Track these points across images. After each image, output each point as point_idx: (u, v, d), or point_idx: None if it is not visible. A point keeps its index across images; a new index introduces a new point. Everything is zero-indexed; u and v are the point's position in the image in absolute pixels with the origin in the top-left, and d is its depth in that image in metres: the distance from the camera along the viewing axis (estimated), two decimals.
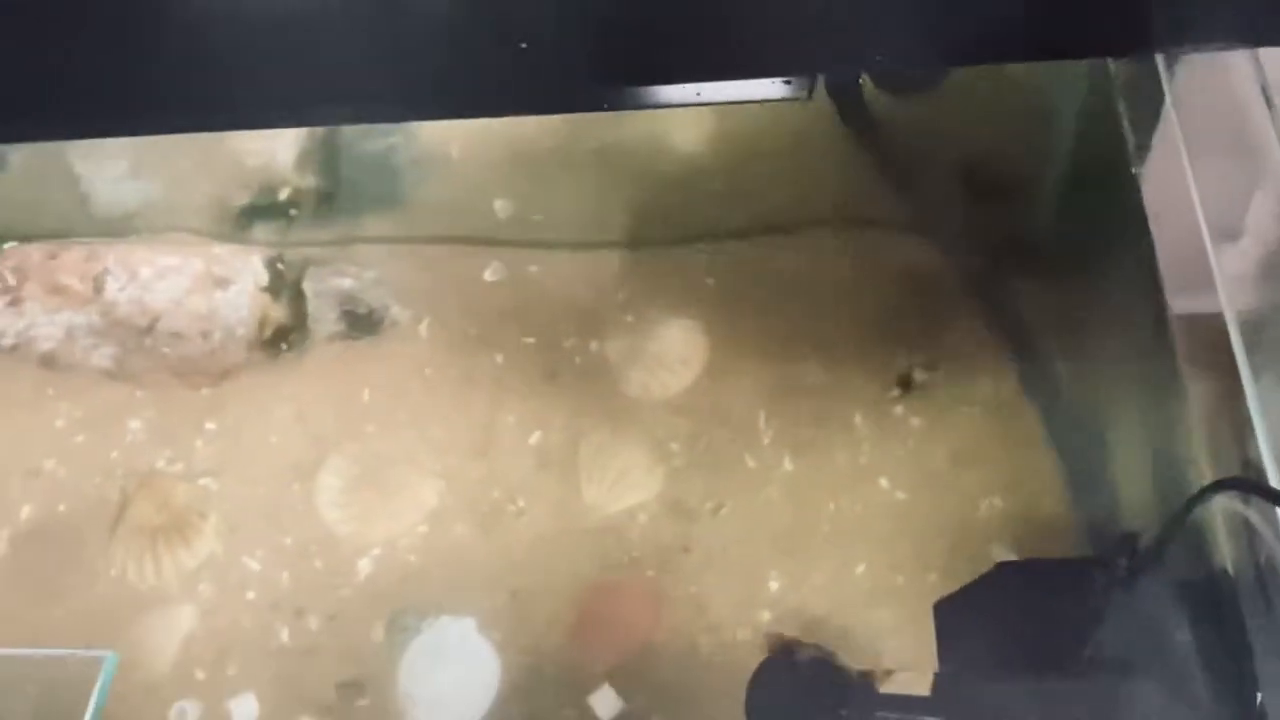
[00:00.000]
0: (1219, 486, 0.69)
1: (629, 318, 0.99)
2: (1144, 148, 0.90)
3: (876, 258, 1.00)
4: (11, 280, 1.02)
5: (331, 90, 0.62)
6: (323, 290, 1.03)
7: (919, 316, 0.96)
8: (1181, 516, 0.69)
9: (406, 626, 0.87)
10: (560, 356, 0.98)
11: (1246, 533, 0.70)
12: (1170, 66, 0.83)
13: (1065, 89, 1.03)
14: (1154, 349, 0.85)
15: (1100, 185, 0.97)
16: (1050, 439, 0.89)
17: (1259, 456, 0.71)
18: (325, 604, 0.88)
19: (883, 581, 0.85)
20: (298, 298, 1.03)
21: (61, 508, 0.94)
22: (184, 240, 1.06)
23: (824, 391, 0.94)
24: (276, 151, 1.10)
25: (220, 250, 1.04)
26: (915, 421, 0.91)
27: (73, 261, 1.03)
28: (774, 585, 0.86)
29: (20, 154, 1.11)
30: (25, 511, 0.94)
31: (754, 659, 0.80)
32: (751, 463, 0.91)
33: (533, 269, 1.03)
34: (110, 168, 1.10)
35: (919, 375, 0.93)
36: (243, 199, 1.09)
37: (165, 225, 1.07)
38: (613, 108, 0.78)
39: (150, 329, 1.01)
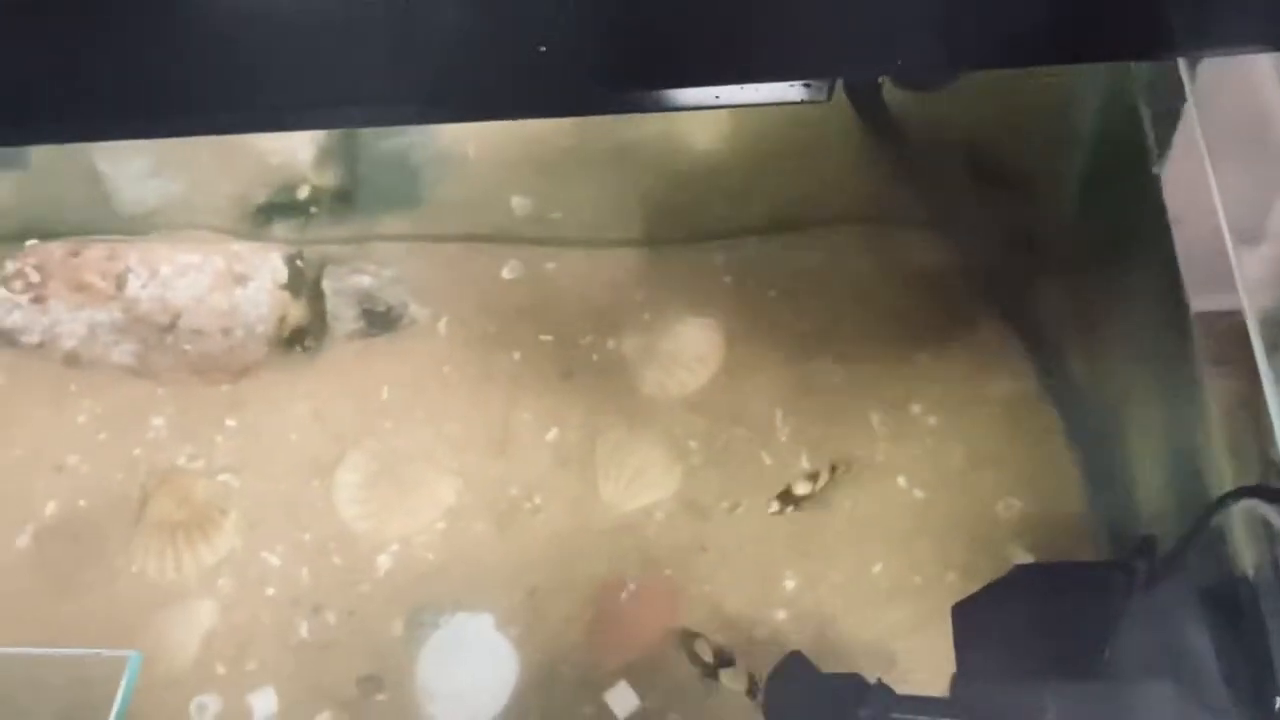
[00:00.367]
0: (1239, 494, 0.69)
1: (646, 316, 1.00)
2: (1165, 148, 0.90)
3: (894, 256, 0.99)
4: (35, 278, 1.03)
5: (351, 93, 0.62)
6: (341, 288, 1.03)
7: (937, 315, 0.96)
8: (1201, 524, 0.68)
9: (425, 622, 0.87)
10: (578, 354, 0.98)
11: (1267, 536, 0.70)
12: (1192, 67, 0.83)
13: (1086, 88, 1.02)
14: (1174, 348, 0.84)
15: (1120, 185, 0.96)
16: (1069, 438, 0.89)
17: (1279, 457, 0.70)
18: (344, 600, 0.89)
19: (900, 581, 0.85)
20: (317, 295, 1.03)
21: (83, 503, 0.95)
22: (204, 238, 1.07)
23: (841, 390, 0.94)
24: (296, 150, 1.10)
25: (240, 248, 1.05)
26: (932, 420, 0.91)
27: (95, 259, 1.03)
28: (790, 584, 0.86)
29: (42, 152, 1.11)
30: (50, 507, 0.95)
31: (770, 657, 0.80)
32: (768, 461, 0.91)
33: (550, 267, 1.03)
34: (131, 166, 1.11)
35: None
36: (262, 197, 1.09)
37: (186, 223, 1.08)
38: (630, 111, 0.78)
39: (171, 326, 1.01)
